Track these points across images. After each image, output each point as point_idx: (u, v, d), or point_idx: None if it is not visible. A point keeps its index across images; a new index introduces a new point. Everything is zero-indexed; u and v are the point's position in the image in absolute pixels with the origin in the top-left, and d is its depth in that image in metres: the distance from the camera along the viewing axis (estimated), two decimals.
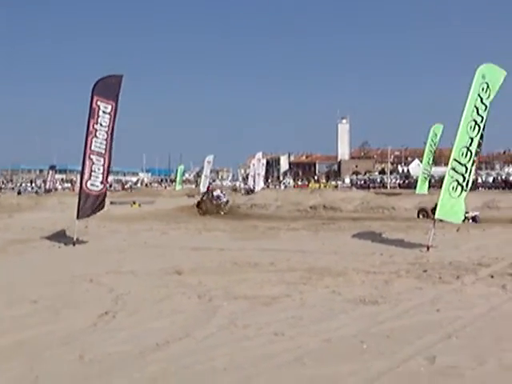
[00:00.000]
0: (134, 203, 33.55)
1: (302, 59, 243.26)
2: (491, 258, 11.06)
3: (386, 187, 77.83)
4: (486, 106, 13.27)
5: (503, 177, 72.20)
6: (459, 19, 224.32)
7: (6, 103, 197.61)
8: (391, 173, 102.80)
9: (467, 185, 13.22)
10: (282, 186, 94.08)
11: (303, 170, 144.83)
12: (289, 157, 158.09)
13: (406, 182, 79.33)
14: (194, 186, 78.36)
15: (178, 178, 73.61)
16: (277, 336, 5.96)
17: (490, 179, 70.70)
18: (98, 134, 14.35)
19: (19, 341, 5.91)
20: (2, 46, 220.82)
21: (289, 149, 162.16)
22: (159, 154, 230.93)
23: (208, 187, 36.18)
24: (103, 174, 14.58)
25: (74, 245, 13.95)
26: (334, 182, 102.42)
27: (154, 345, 5.69)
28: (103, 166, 14.56)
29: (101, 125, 14.40)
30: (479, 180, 66.76)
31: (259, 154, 59.30)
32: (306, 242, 14.87)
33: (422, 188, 37.22)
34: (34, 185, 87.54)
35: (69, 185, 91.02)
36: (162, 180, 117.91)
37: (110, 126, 14.57)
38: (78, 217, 14.43)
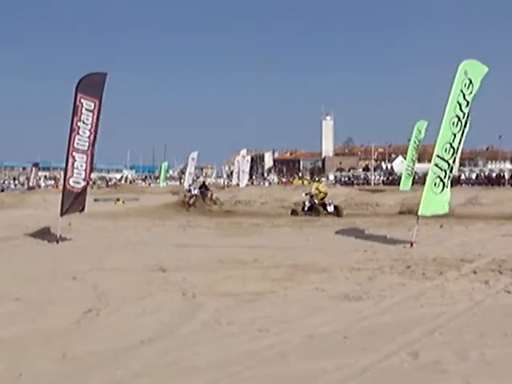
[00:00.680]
0: (118, 200, 33.45)
1: (286, 55, 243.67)
2: (474, 254, 11.12)
3: (370, 184, 77.97)
4: (469, 102, 13.35)
5: (486, 173, 72.63)
6: (442, 15, 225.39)
7: None
8: (375, 169, 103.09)
9: (448, 181, 13.31)
10: (267, 183, 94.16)
11: (287, 167, 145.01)
12: (273, 153, 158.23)
13: (390, 178, 79.59)
14: (178, 183, 78.22)
15: (161, 175, 73.46)
16: (261, 332, 5.96)
17: (473, 176, 71.09)
18: (80, 131, 14.30)
19: (2, 338, 5.87)
20: None
21: (273, 145, 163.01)
22: (143, 151, 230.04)
23: (204, 182, 36.16)
24: (85, 171, 14.54)
25: (57, 242, 13.87)
26: (318, 179, 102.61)
27: (138, 342, 5.68)
28: (86, 163, 14.51)
29: (84, 122, 14.34)
30: (462, 176, 67.15)
31: (244, 151, 59.41)
32: (291, 238, 14.90)
33: (406, 184, 37.51)
34: (17, 182, 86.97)
35: (52, 182, 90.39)
36: (145, 177, 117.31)
37: (94, 123, 14.52)
38: (61, 214, 14.37)
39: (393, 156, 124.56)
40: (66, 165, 14.36)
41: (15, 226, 18.05)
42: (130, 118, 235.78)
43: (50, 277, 9.39)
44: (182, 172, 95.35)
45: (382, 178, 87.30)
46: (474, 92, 13.42)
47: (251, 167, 74.12)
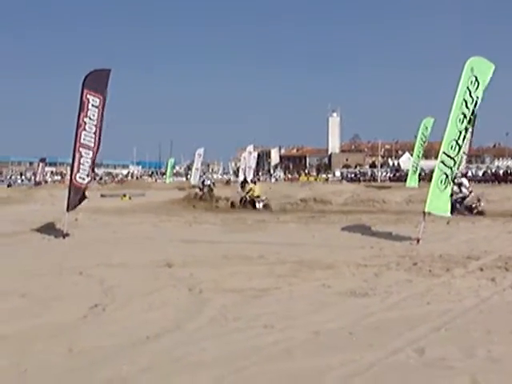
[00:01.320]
0: (125, 196, 33.47)
1: (292, 52, 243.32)
2: (481, 251, 11.09)
3: (377, 180, 77.82)
4: (474, 99, 13.30)
5: (493, 170, 72.41)
6: (449, 13, 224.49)
7: None
8: (382, 166, 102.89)
9: (452, 178, 13.29)
10: (273, 179, 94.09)
11: (294, 163, 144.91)
12: (279, 150, 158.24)
13: (397, 175, 79.40)
14: (184, 179, 78.30)
15: (168, 171, 73.62)
16: (266, 328, 5.96)
17: (480, 173, 70.88)
18: (87, 127, 14.37)
19: (8, 334, 5.89)
20: None
21: (279, 142, 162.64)
22: (149, 147, 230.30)
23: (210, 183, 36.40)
24: (91, 166, 14.62)
25: (63, 237, 13.91)
26: (324, 175, 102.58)
27: (145, 337, 5.69)
28: (91, 159, 14.57)
29: (90, 118, 14.40)
30: (469, 173, 66.98)
31: (250, 147, 59.24)
32: (296, 234, 14.89)
33: (413, 181, 37.41)
34: (23, 177, 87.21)
35: (59, 177, 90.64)
36: (152, 173, 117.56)
37: (99, 119, 14.58)
38: (67, 209, 14.43)
39: (399, 152, 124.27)
40: (73, 160, 14.44)
41: (22, 221, 18.12)
42: (137, 113, 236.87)
43: (56, 272, 9.41)
44: (189, 168, 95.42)
45: (388, 174, 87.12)
46: (481, 89, 13.37)
47: (257, 163, 73.91)
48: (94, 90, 14.47)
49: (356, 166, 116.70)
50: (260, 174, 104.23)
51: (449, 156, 13.06)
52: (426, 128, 37.62)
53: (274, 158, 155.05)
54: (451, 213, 20.32)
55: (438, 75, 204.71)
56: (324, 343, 5.50)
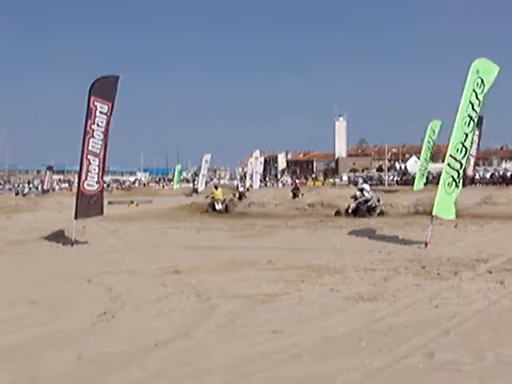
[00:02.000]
0: (132, 202, 33.55)
1: (299, 57, 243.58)
2: (489, 254, 11.06)
3: (384, 184, 77.72)
4: (481, 101, 13.28)
5: (501, 172, 72.22)
6: (455, 14, 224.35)
7: (3, 103, 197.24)
8: (389, 170, 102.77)
9: (459, 181, 13.26)
10: (280, 184, 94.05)
11: (301, 168, 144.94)
12: (286, 155, 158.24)
13: (404, 178, 79.31)
14: (191, 185, 78.41)
15: (175, 178, 73.67)
16: (275, 334, 5.96)
17: (488, 175, 70.70)
18: (94, 134, 14.38)
19: (18, 341, 5.91)
20: None
21: (286, 147, 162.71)
22: (156, 154, 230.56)
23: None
24: (98, 173, 14.62)
25: (72, 245, 13.95)
26: (331, 180, 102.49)
27: (153, 344, 5.70)
28: (99, 166, 14.59)
29: (98, 125, 14.42)
30: (477, 176, 66.78)
31: (257, 152, 59.31)
32: (304, 239, 14.88)
33: (420, 184, 37.28)
34: (31, 185, 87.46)
35: (66, 185, 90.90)
36: (159, 179, 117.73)
37: (106, 126, 14.60)
38: (75, 217, 14.46)
39: (406, 156, 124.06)
40: (81, 168, 14.43)
41: (30, 229, 18.15)
42: (144, 120, 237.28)
43: (64, 280, 9.44)
44: (196, 174, 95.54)
45: (395, 178, 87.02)
46: (485, 91, 13.35)
47: (264, 169, 73.98)
48: (102, 96, 14.49)
49: (363, 170, 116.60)
50: (267, 179, 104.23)
51: (455, 158, 13.04)
52: (433, 131, 37.50)
53: (281, 162, 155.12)
54: (354, 214, 22.17)
55: (444, 78, 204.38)
56: (333, 348, 5.50)
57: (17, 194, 60.69)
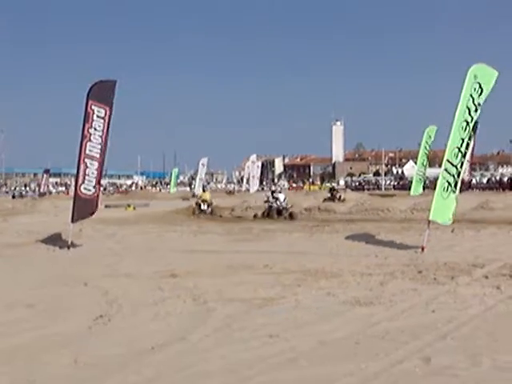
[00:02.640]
0: (129, 206, 33.47)
1: (296, 61, 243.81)
2: (486, 259, 11.07)
3: (381, 189, 77.83)
4: (477, 107, 13.29)
5: (497, 178, 72.23)
6: (452, 20, 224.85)
7: (0, 106, 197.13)
8: (386, 174, 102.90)
9: (456, 186, 13.26)
10: (278, 188, 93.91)
11: (298, 172, 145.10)
12: (283, 159, 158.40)
13: (401, 183, 79.42)
14: (188, 189, 78.42)
15: (172, 181, 73.78)
16: (272, 338, 5.96)
17: (484, 180, 70.76)
18: (92, 138, 14.36)
19: (16, 345, 5.90)
20: None
21: (283, 151, 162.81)
22: (153, 157, 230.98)
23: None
24: (96, 177, 14.60)
25: (68, 248, 13.92)
26: (328, 184, 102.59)
27: (150, 348, 5.69)
28: (96, 170, 14.57)
29: (95, 129, 14.40)
30: (473, 181, 66.82)
31: (253, 156, 59.41)
32: (301, 243, 14.88)
33: (417, 189, 37.41)
34: (28, 188, 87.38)
35: (63, 188, 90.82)
36: (156, 183, 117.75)
37: (104, 130, 14.59)
38: (72, 220, 14.44)
39: (403, 161, 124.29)
40: (78, 171, 14.42)
41: (27, 232, 18.12)
42: (141, 124, 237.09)
43: (61, 283, 9.43)
44: (193, 178, 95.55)
45: (392, 182, 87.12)
46: (483, 96, 13.36)
47: (261, 173, 73.95)
48: (100, 100, 14.48)
49: (360, 175, 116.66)
50: (264, 183, 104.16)
51: (451, 163, 13.05)
52: (430, 136, 37.64)
53: (278, 167, 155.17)
54: (268, 216, 23.77)
55: (440, 84, 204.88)
56: (329, 353, 5.50)
57: (13, 197, 60.60)
